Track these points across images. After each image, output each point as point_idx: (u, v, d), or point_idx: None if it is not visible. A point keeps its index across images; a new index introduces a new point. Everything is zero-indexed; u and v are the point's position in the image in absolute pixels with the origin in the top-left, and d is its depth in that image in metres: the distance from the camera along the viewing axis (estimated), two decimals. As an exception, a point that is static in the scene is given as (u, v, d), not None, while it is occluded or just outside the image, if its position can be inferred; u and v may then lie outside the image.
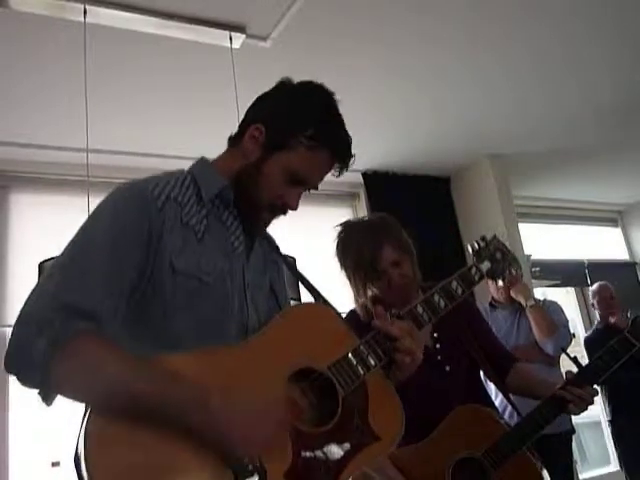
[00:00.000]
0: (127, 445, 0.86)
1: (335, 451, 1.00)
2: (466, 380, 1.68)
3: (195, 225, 1.07)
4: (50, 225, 3.28)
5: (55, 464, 3.05)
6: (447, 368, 1.66)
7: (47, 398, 0.92)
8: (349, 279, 1.72)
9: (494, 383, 1.79)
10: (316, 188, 1.20)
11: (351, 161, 1.23)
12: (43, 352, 0.87)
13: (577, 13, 2.84)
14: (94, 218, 1.05)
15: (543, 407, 1.56)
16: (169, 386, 0.89)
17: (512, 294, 2.99)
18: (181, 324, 1.02)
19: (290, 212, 1.19)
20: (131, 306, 1.01)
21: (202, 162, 1.20)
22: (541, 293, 4.64)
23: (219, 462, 0.89)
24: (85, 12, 2.30)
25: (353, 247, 1.68)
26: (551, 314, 2.93)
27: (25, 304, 0.95)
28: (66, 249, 1.02)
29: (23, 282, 3.01)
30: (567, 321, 3.01)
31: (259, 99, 1.21)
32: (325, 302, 1.18)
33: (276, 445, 0.93)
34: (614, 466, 4.76)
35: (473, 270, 1.37)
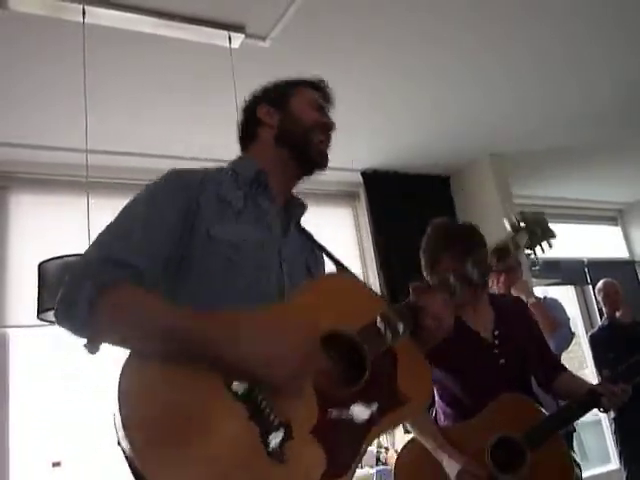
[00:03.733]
0: (159, 388, 0.88)
1: (362, 412, 1.00)
2: (517, 376, 1.80)
3: (232, 201, 1.15)
4: (49, 225, 3.29)
5: (56, 464, 3.05)
6: (501, 361, 1.79)
7: (92, 345, 1.01)
8: (428, 271, 1.86)
9: (540, 384, 1.93)
10: (332, 123, 1.30)
11: (331, 92, 1.36)
12: (89, 295, 0.94)
13: (578, 13, 2.84)
14: (134, 199, 1.13)
15: (580, 399, 1.71)
16: (202, 319, 0.94)
17: (513, 292, 2.99)
18: (217, 289, 1.07)
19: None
20: (171, 271, 1.07)
21: (237, 157, 1.31)
22: (541, 292, 4.64)
23: (245, 417, 0.89)
24: (84, 13, 2.30)
25: (430, 244, 1.86)
26: (552, 311, 2.94)
27: (76, 262, 1.05)
28: (114, 218, 1.10)
29: (23, 283, 3.01)
30: (568, 319, 3.01)
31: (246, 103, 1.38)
32: (351, 274, 1.23)
33: (303, 401, 0.94)
34: (614, 464, 4.77)
35: (510, 243, 1.41)
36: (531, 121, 3.92)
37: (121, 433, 0.84)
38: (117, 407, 0.85)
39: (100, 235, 1.06)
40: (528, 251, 1.49)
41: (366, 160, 4.19)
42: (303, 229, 1.30)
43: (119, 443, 0.85)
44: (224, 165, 1.27)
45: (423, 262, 1.86)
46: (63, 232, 3.05)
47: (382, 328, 1.08)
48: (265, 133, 1.27)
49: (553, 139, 4.24)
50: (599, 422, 5.18)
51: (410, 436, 1.79)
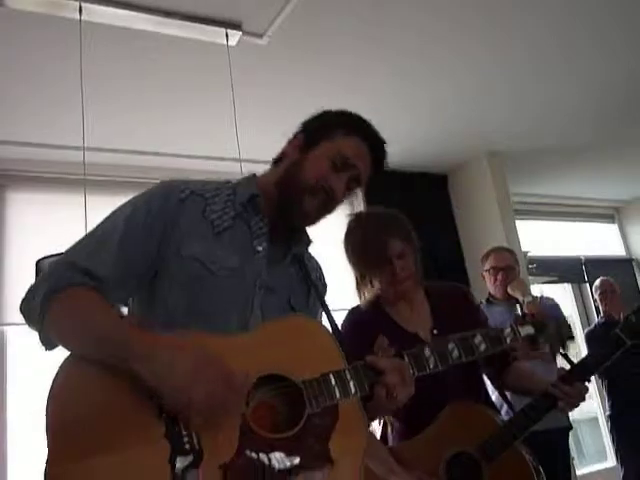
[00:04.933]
0: (87, 391, 0.92)
1: (281, 461, 0.95)
2: (464, 377, 1.67)
3: (215, 220, 1.12)
4: (47, 223, 3.28)
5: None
6: None
7: (45, 342, 1.03)
8: (355, 267, 1.74)
9: (490, 381, 1.82)
10: (359, 181, 1.21)
11: (384, 153, 1.29)
12: (43, 295, 0.99)
13: (576, 11, 2.84)
14: (121, 206, 1.14)
15: (534, 403, 1.59)
16: (134, 334, 0.97)
17: (509, 290, 2.99)
18: (178, 306, 1.06)
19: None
20: (145, 287, 1.10)
21: (249, 175, 1.25)
22: (537, 290, 4.65)
23: (161, 432, 0.90)
24: (80, 10, 2.30)
25: (363, 236, 1.71)
26: (548, 311, 2.94)
27: (52, 261, 1.08)
28: (98, 224, 1.12)
29: (20, 280, 3.00)
30: (564, 317, 3.01)
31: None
32: (335, 330, 1.17)
33: (224, 435, 0.92)
34: (611, 461, 4.78)
35: (506, 331, 1.30)
36: (529, 120, 3.93)
37: (44, 427, 0.88)
38: (45, 401, 0.89)
39: (80, 240, 1.09)
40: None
41: (364, 158, 4.19)
42: (305, 266, 1.22)
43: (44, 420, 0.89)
44: (233, 181, 1.22)
45: (360, 253, 1.71)
46: (60, 229, 3.04)
47: (332, 384, 1.03)
48: (283, 163, 1.20)
49: (550, 137, 4.25)
50: (596, 419, 5.20)
51: None
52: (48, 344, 1.03)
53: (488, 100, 3.62)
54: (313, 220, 1.18)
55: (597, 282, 4.13)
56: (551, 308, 2.99)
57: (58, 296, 0.99)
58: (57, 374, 0.93)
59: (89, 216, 2.23)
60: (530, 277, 4.33)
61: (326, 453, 0.99)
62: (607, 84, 3.60)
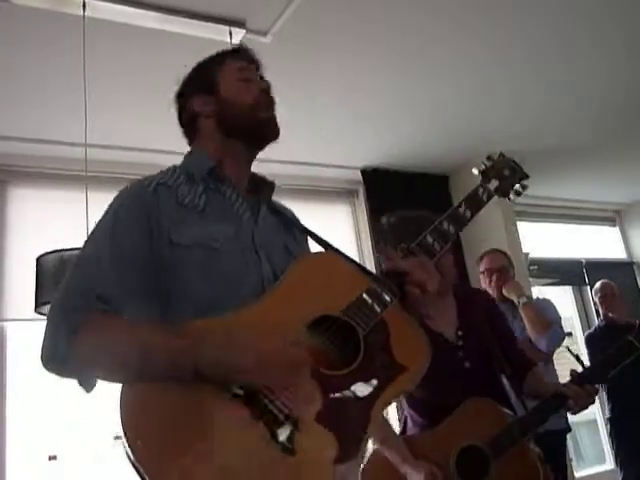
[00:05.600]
0: (157, 411, 0.88)
1: (363, 389, 1.00)
2: (485, 377, 1.75)
3: (193, 201, 1.13)
4: (48, 219, 3.28)
5: (52, 458, 3.06)
6: (467, 364, 1.75)
7: (85, 384, 0.99)
8: None
9: (510, 384, 1.88)
10: (262, 74, 1.30)
11: (248, 49, 1.35)
12: (65, 340, 0.95)
13: (577, 11, 2.83)
14: (99, 221, 1.12)
15: (545, 403, 1.66)
16: (174, 337, 0.94)
17: (504, 292, 2.99)
18: (200, 293, 1.05)
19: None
20: (153, 289, 1.07)
21: (187, 154, 1.28)
22: (537, 291, 4.65)
23: (247, 417, 0.89)
24: (84, 6, 2.30)
25: (399, 233, 1.76)
26: (543, 311, 2.94)
27: (49, 309, 1.04)
28: (77, 254, 1.10)
29: (21, 276, 3.01)
30: (559, 318, 3.01)
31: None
32: (335, 250, 1.21)
33: (303, 390, 0.94)
34: (609, 464, 4.78)
35: (480, 191, 1.35)
36: (529, 120, 3.92)
37: (127, 448, 0.83)
38: (119, 422, 0.85)
39: (69, 272, 1.06)
40: (502, 198, 1.42)
41: (365, 158, 4.19)
42: (277, 210, 1.26)
43: (127, 456, 0.85)
44: (176, 164, 1.23)
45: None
46: (62, 226, 3.04)
47: (369, 302, 1.08)
48: (206, 124, 1.25)
49: (551, 138, 4.24)
50: (594, 421, 5.19)
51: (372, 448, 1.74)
52: (89, 386, 0.99)
53: (488, 100, 3.61)
54: (275, 125, 1.23)
55: (598, 285, 4.13)
56: (546, 309, 2.99)
57: (82, 334, 0.96)
58: (122, 410, 0.87)
59: (90, 212, 2.23)
60: (530, 279, 4.33)
61: (394, 363, 1.05)
62: (608, 85, 3.59)
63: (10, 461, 2.98)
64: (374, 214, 4.27)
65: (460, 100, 3.55)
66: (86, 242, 1.10)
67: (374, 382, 1.02)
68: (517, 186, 1.42)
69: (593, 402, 1.64)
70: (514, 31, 2.93)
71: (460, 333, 1.77)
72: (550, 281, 4.94)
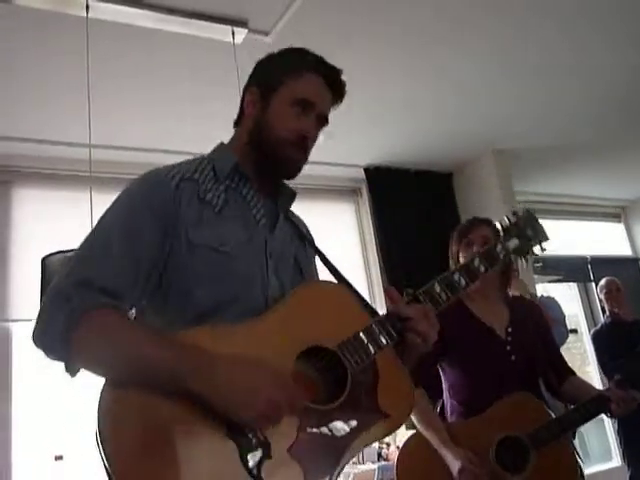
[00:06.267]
0: (136, 417, 0.89)
1: (341, 428, 1.00)
2: (526, 375, 1.81)
3: (212, 199, 1.10)
4: (53, 220, 3.29)
5: (58, 458, 3.06)
6: (512, 358, 1.81)
7: (70, 369, 0.98)
8: (452, 260, 1.94)
9: (548, 386, 1.94)
10: (326, 119, 1.20)
11: (342, 82, 1.24)
12: (62, 325, 0.93)
13: (580, 9, 2.82)
14: (112, 205, 1.09)
15: (588, 403, 1.71)
16: (176, 352, 0.92)
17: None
18: (202, 296, 1.04)
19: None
20: (155, 284, 1.06)
21: (219, 145, 1.24)
22: (542, 288, 4.64)
23: (223, 435, 0.90)
24: (87, 7, 2.30)
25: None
26: (547, 310, 2.94)
27: (50, 284, 1.01)
28: (87, 236, 1.06)
29: (26, 277, 3.01)
30: (564, 317, 3.01)
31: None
32: (346, 283, 1.20)
33: (281, 420, 0.94)
34: (616, 462, 4.77)
35: (499, 248, 1.32)
36: (534, 118, 3.91)
37: (102, 453, 0.86)
38: (96, 427, 0.87)
39: (75, 255, 1.03)
40: (519, 257, 1.40)
41: (368, 156, 4.19)
42: (292, 220, 1.25)
43: (102, 460, 0.87)
44: (204, 155, 1.20)
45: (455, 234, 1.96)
46: (66, 227, 3.05)
47: (365, 341, 1.06)
48: (246, 123, 1.19)
49: (556, 136, 4.23)
50: (601, 419, 5.17)
51: (412, 432, 1.79)
52: (73, 372, 0.99)
53: (493, 98, 3.61)
54: (297, 169, 1.18)
55: (602, 281, 4.13)
56: (551, 307, 2.98)
57: (80, 323, 0.93)
58: (103, 392, 0.90)
59: (95, 213, 2.24)
60: (535, 276, 4.32)
61: (377, 408, 1.04)
62: (612, 83, 3.58)
63: (16, 461, 2.99)
64: (377, 212, 4.27)
65: (463, 98, 3.54)
66: (97, 227, 1.06)
67: (353, 423, 1.01)
68: (536, 247, 1.40)
69: (634, 407, 1.70)
70: (518, 30, 2.92)
71: (510, 330, 1.84)
72: (555, 278, 4.93)
